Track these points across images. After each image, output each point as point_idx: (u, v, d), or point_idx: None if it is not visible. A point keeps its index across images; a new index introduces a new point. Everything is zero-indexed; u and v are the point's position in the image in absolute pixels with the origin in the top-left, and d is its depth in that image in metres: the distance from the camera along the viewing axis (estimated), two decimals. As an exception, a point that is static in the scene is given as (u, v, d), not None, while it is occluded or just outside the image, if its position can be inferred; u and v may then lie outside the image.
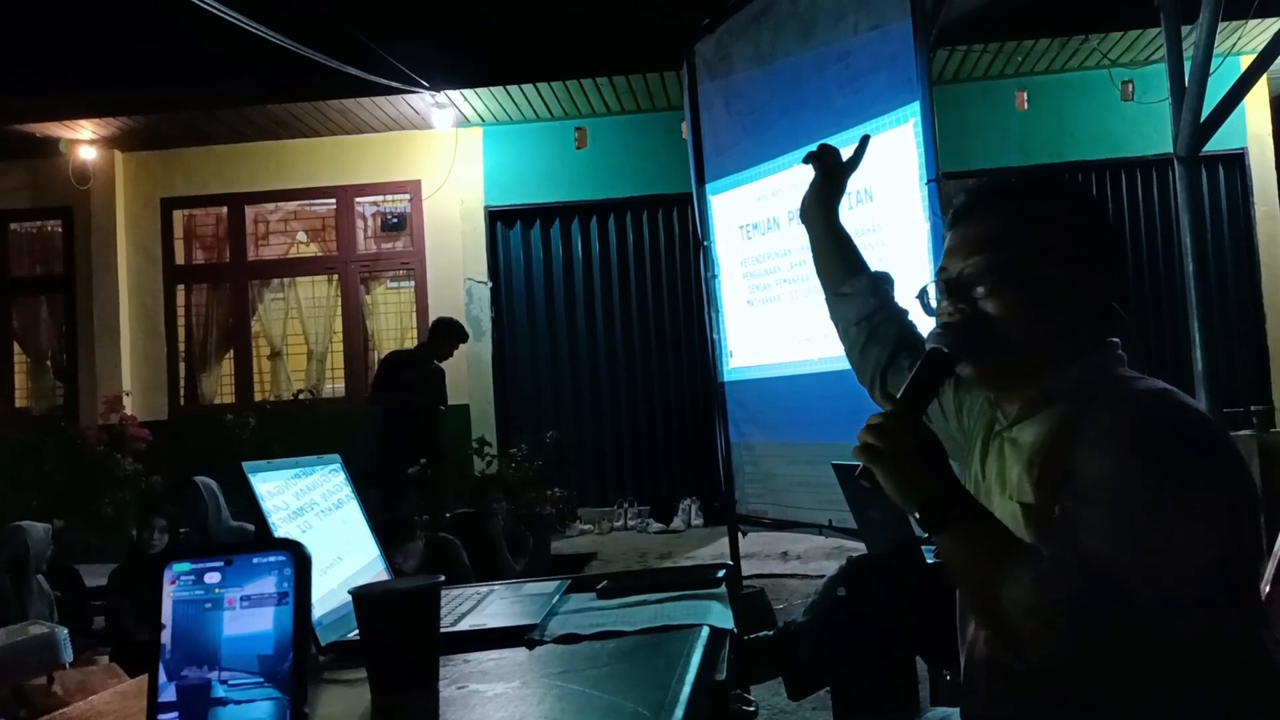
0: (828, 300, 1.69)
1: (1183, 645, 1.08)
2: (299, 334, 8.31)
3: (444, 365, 6.52)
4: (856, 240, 4.46)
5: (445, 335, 6.37)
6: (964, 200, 1.33)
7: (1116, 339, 1.25)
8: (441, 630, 1.16)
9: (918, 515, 1.16)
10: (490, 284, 7.96)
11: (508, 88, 7.22)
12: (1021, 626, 1.09)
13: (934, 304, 1.30)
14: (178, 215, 8.25)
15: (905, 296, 1.57)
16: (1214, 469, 1.11)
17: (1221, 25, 4.85)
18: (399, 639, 1.07)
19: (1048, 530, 1.14)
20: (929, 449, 1.18)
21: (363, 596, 1.08)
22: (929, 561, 2.09)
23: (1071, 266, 1.23)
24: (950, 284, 1.26)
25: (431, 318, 7.51)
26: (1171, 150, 4.70)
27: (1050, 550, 1.11)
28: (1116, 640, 1.05)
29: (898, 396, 1.23)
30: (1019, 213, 1.27)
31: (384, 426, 6.23)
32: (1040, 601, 1.07)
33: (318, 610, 1.26)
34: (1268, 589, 1.83)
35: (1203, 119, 4.50)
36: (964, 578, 1.16)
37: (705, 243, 4.91)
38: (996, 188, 1.32)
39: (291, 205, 8.34)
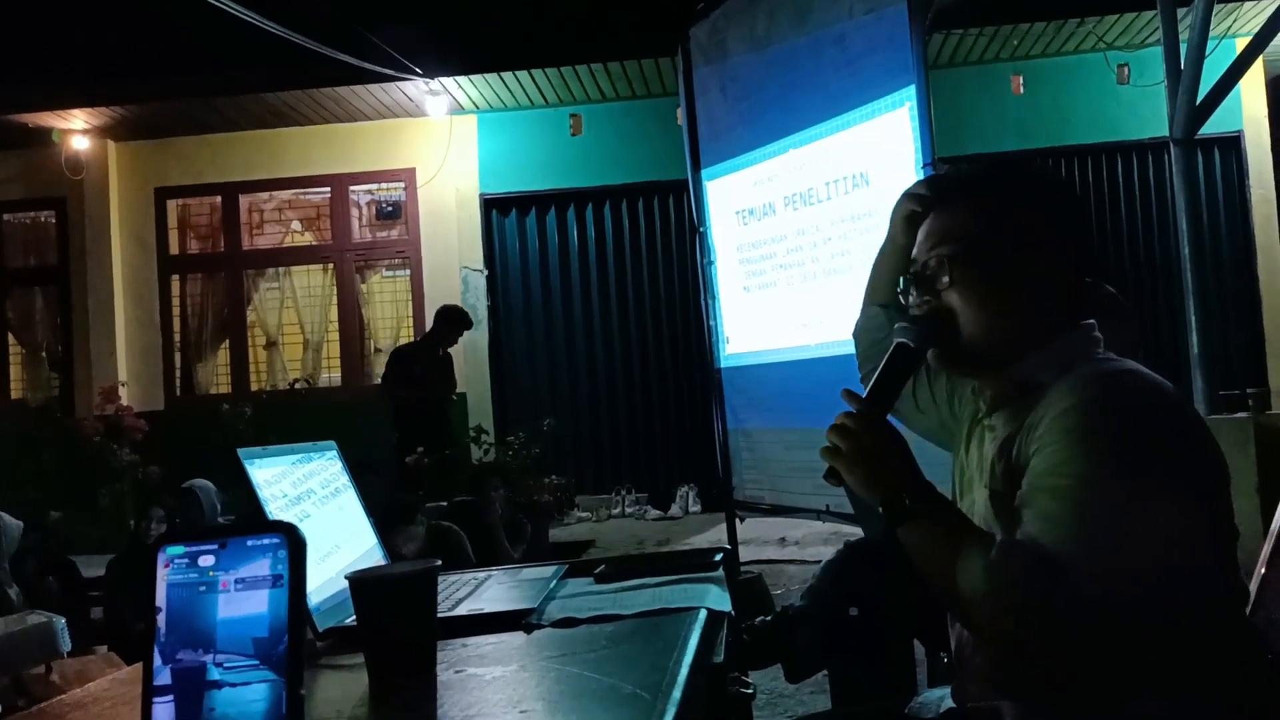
0: (867, 309, 1.62)
1: (1153, 626, 1.08)
2: (294, 323, 8.29)
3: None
4: (852, 225, 4.44)
5: (449, 322, 6.44)
6: (934, 190, 1.32)
7: (1092, 320, 1.25)
8: (439, 615, 1.16)
9: (880, 509, 1.17)
10: (486, 272, 7.94)
11: (502, 74, 7.19)
12: (974, 613, 1.10)
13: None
14: (172, 205, 8.22)
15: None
16: (1170, 451, 1.10)
17: (1217, 8, 4.84)
18: (396, 624, 1.07)
19: (1011, 518, 1.14)
20: (890, 445, 1.19)
21: (360, 581, 1.08)
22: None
23: (1035, 253, 1.22)
24: (917, 276, 1.27)
25: (427, 306, 7.54)
26: (1167, 133, 4.70)
27: (1004, 536, 1.11)
28: (1071, 625, 1.05)
29: (864, 395, 1.23)
30: (980, 203, 1.27)
31: (395, 419, 6.33)
32: (990, 587, 1.07)
33: (315, 597, 1.26)
34: (1263, 570, 1.83)
35: (1198, 102, 4.50)
36: (926, 567, 1.17)
37: (701, 229, 4.90)
38: (959, 178, 1.32)
39: (286, 194, 8.31)
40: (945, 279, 1.23)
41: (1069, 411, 1.11)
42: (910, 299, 1.27)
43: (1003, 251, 1.22)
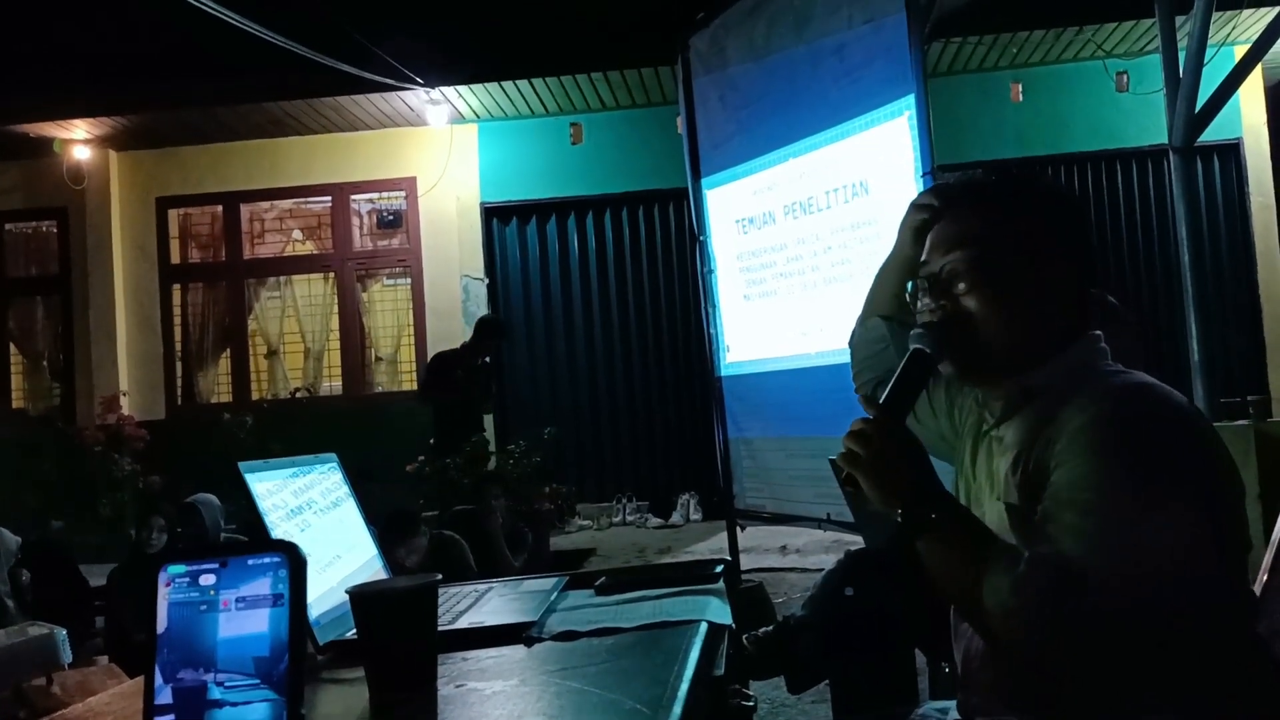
0: (867, 320, 1.61)
1: (1169, 639, 1.08)
2: (295, 332, 8.30)
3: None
4: (852, 233, 4.44)
5: (480, 331, 6.63)
6: (942, 198, 1.33)
7: (1099, 332, 1.25)
8: (439, 628, 1.16)
9: (899, 519, 1.17)
10: (487, 281, 7.95)
11: (502, 84, 7.21)
12: (1000, 626, 1.10)
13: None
14: (173, 214, 8.23)
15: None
16: (1188, 465, 1.11)
17: (1216, 15, 4.84)
18: (396, 638, 1.07)
19: (1029, 531, 1.14)
20: (910, 453, 1.19)
21: (360, 596, 1.08)
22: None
23: (1047, 262, 1.23)
24: (931, 280, 1.27)
25: (428, 315, 7.59)
26: (1167, 141, 4.69)
27: (1029, 551, 1.11)
28: (1096, 639, 1.05)
29: (880, 401, 1.23)
30: (995, 210, 1.27)
31: (434, 423, 6.52)
32: (1017, 603, 1.07)
33: (316, 609, 1.26)
34: (1265, 578, 1.82)
35: (1198, 109, 4.50)
36: (944, 579, 1.16)
37: (701, 237, 4.90)
38: (973, 185, 1.32)
39: (287, 203, 8.33)
40: (963, 285, 1.23)
41: (1086, 426, 1.12)
42: (921, 305, 1.27)
43: (1015, 257, 1.23)
